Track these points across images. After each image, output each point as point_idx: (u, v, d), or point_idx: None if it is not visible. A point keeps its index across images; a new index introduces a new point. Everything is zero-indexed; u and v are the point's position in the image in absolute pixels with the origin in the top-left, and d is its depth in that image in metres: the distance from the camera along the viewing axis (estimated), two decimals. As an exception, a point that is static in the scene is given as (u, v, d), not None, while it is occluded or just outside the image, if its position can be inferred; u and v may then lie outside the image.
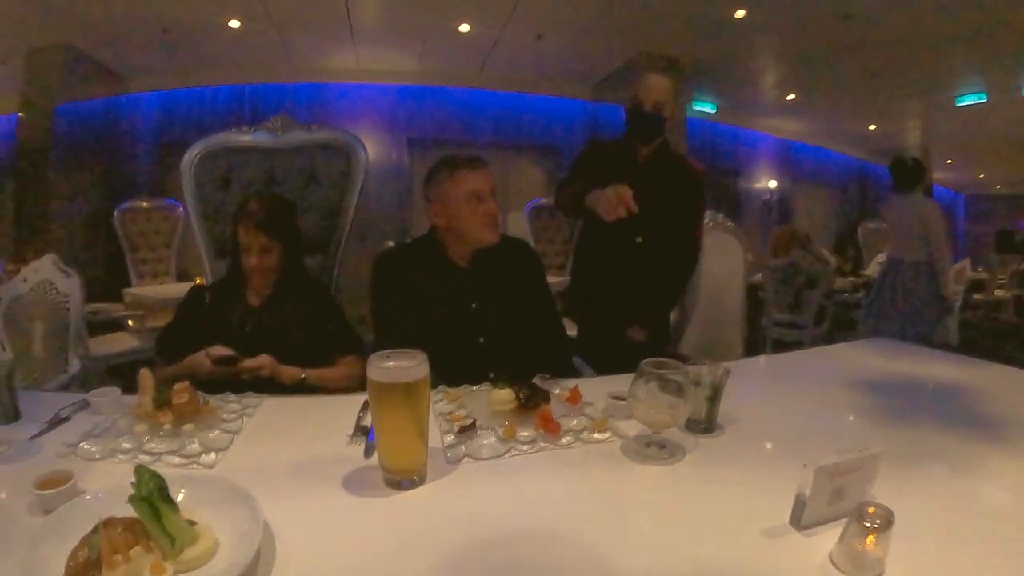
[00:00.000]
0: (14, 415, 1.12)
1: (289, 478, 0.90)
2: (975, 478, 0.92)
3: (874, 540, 0.66)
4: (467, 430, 0.98)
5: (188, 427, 1.05)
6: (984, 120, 7.39)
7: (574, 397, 1.12)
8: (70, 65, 5.21)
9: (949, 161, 10.24)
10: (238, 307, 1.63)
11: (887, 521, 0.67)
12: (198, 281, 4.37)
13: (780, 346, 4.71)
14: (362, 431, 1.01)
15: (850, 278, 6.26)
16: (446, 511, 0.82)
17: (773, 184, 9.23)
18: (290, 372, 1.49)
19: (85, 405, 1.17)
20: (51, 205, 5.17)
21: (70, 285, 2.08)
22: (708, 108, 7.83)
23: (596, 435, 1.01)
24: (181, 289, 4.32)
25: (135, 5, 4.44)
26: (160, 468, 0.85)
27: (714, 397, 1.05)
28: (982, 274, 5.97)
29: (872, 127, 8.75)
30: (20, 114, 5.21)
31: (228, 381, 1.38)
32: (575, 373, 1.63)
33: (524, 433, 0.98)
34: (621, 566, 0.70)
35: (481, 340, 1.56)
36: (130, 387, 1.18)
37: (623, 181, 1.91)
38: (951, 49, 5.34)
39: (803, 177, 9.71)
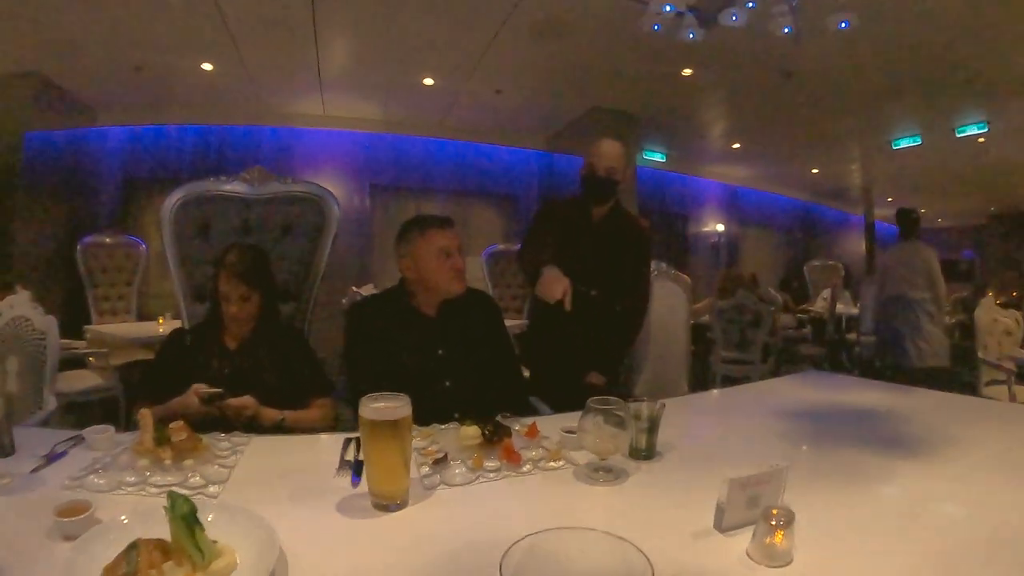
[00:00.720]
0: (10, 449, 1.17)
1: (289, 505, 1.01)
2: (869, 483, 1.11)
3: (781, 535, 0.83)
4: (440, 462, 1.12)
5: (188, 462, 1.13)
6: (921, 160, 7.95)
7: (532, 432, 1.28)
8: (41, 93, 5.18)
9: (890, 199, 10.88)
10: (217, 350, 1.71)
11: (789, 519, 0.83)
12: (160, 321, 4.36)
13: (729, 381, 4.93)
14: (347, 465, 1.12)
15: (797, 315, 6.63)
16: (428, 529, 0.94)
17: (721, 227, 9.71)
18: (270, 413, 1.57)
19: (80, 440, 1.24)
20: (16, 235, 5.07)
21: (47, 323, 2.07)
22: (658, 157, 8.29)
23: (552, 463, 1.17)
24: (143, 328, 4.34)
25: (110, 43, 4.50)
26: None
27: (652, 428, 1.22)
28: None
29: (815, 171, 9.35)
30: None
31: (211, 422, 1.45)
32: (532, 411, 1.78)
33: (490, 463, 1.13)
34: (574, 569, 0.82)
35: (447, 383, 1.68)
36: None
37: (578, 239, 2.09)
38: (887, 98, 5.82)
39: (749, 220, 10.25)
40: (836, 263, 8.05)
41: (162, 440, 1.14)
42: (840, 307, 6.47)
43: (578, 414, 1.34)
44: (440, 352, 1.70)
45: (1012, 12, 3.93)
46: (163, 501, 0.93)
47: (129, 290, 4.91)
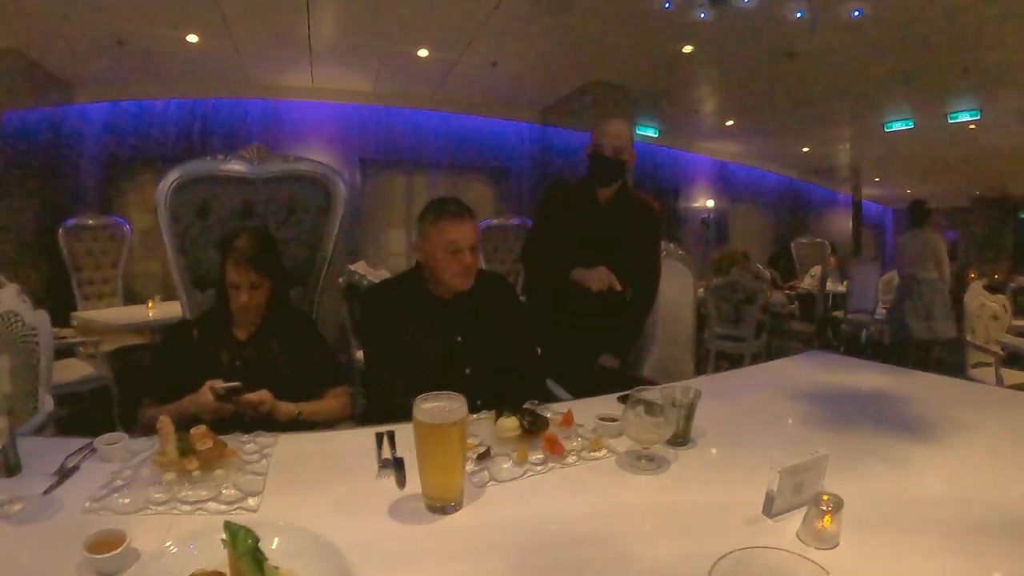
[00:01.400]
0: (16, 467, 1.04)
1: (338, 515, 0.96)
2: (904, 471, 1.13)
3: (830, 520, 0.86)
4: (484, 457, 1.11)
5: (218, 472, 1.04)
6: (911, 143, 8.09)
7: (568, 421, 1.27)
8: (15, 70, 4.91)
9: (877, 179, 11.09)
10: (226, 342, 1.63)
11: (838, 505, 0.87)
12: (150, 305, 4.27)
13: (722, 357, 5.02)
14: (388, 464, 1.10)
15: (785, 292, 6.72)
16: (491, 530, 0.92)
17: (711, 203, 9.74)
18: (286, 407, 1.50)
19: (91, 451, 1.12)
20: None
21: (37, 318, 1.90)
22: (650, 132, 8.25)
23: (594, 453, 1.17)
24: (133, 313, 4.25)
25: (91, 16, 4.30)
26: (203, 516, 0.92)
27: (689, 415, 1.23)
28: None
29: (805, 149, 9.42)
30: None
31: (225, 420, 1.38)
32: (550, 396, 1.76)
33: (535, 456, 1.13)
34: (639, 557, 0.86)
35: (467, 371, 1.65)
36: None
37: (587, 223, 2.06)
38: (883, 83, 5.89)
39: (739, 196, 10.28)
40: (823, 240, 8.14)
41: (186, 450, 1.04)
42: (827, 285, 6.57)
43: (599, 399, 1.43)
44: (458, 339, 1.67)
45: (1010, 5, 4.03)
46: (198, 520, 0.91)
47: (114, 272, 4.82)
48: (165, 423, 1.08)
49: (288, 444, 1.24)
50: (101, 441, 1.12)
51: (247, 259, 1.57)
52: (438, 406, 0.95)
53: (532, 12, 4.42)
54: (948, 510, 0.98)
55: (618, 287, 1.72)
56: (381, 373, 1.63)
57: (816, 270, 7.05)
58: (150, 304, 4.34)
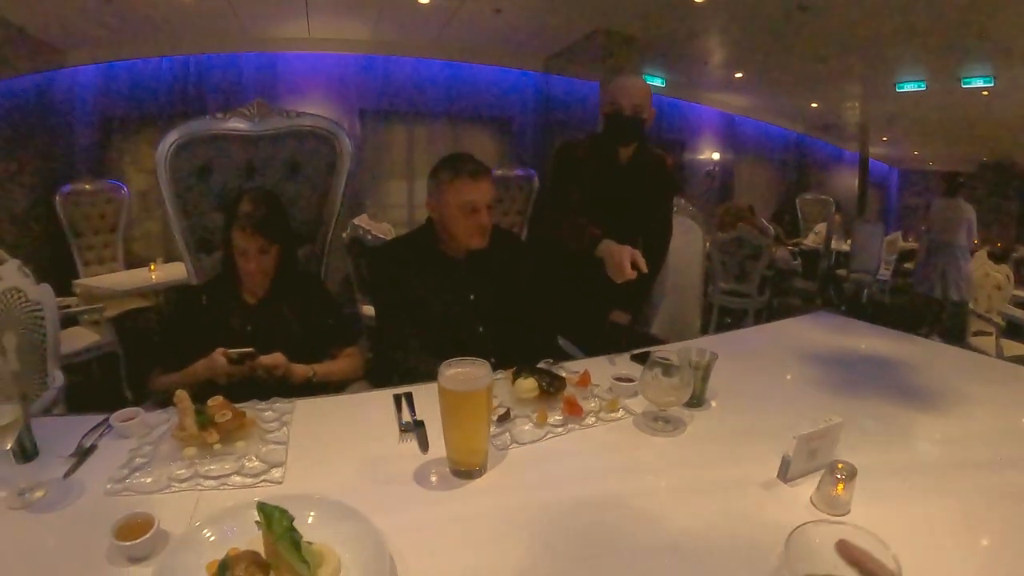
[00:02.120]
0: (33, 451, 1.00)
1: (363, 482, 0.96)
2: (912, 439, 1.15)
3: (843, 487, 0.88)
4: (504, 419, 1.12)
5: (240, 444, 1.03)
6: (922, 105, 7.92)
7: (584, 380, 1.27)
8: (1, 38, 4.68)
9: (885, 138, 10.90)
10: (236, 307, 1.61)
11: (852, 473, 0.88)
12: (152, 268, 4.25)
13: (726, 313, 5.05)
14: (409, 428, 1.10)
15: (788, 248, 6.69)
16: (521, 493, 0.94)
17: (716, 156, 9.59)
18: (300, 370, 1.50)
19: (107, 428, 1.10)
20: None
21: (41, 292, 1.87)
22: (657, 82, 8.02)
23: (612, 414, 1.18)
24: (135, 277, 4.25)
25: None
26: (228, 491, 0.92)
27: (705, 377, 1.24)
28: (912, 244, 6.58)
29: (814, 105, 9.19)
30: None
31: (237, 386, 1.37)
32: (563, 353, 1.77)
33: (554, 417, 1.14)
34: (663, 516, 0.88)
35: (480, 329, 1.65)
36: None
37: (606, 183, 2.01)
38: (897, 42, 5.72)
39: (745, 149, 10.10)
40: (828, 198, 8.06)
41: (205, 422, 1.02)
42: (832, 243, 6.54)
43: (613, 357, 1.47)
44: (471, 297, 1.66)
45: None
46: (224, 495, 0.91)
47: (114, 237, 4.76)
48: (182, 398, 1.06)
49: (306, 409, 1.23)
50: (116, 418, 1.10)
51: (253, 224, 1.53)
52: (463, 372, 0.95)
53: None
54: (956, 479, 0.99)
55: (644, 269, 1.65)
56: (393, 333, 1.63)
57: (820, 227, 7.02)
58: (152, 267, 4.33)
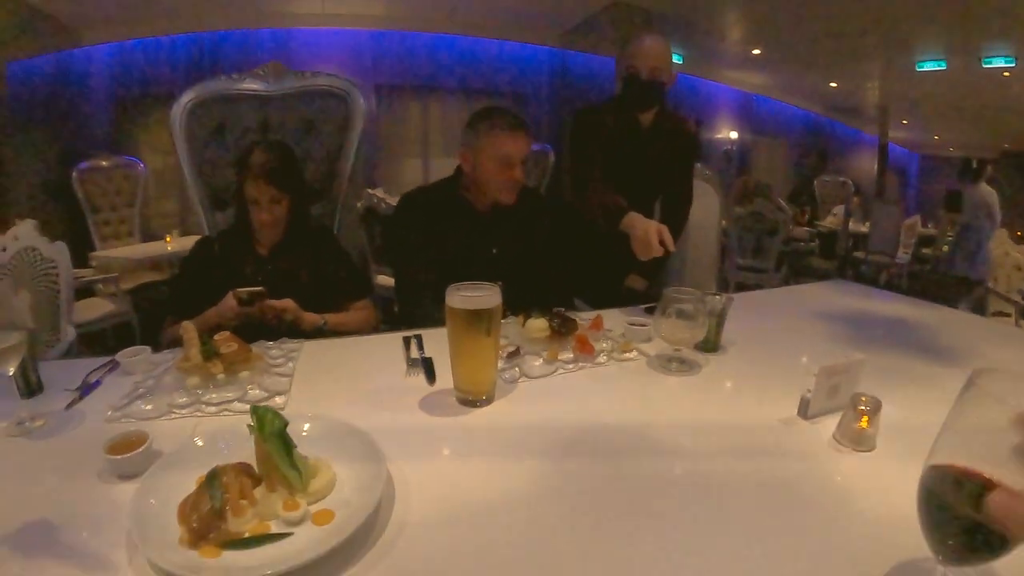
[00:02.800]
0: (38, 387, 1.02)
1: (367, 407, 0.95)
2: (935, 388, 1.07)
3: (867, 421, 0.84)
4: (514, 355, 1.10)
5: (243, 374, 1.02)
6: (942, 86, 7.71)
7: (597, 324, 1.25)
8: (18, 19, 4.74)
9: (905, 121, 10.60)
10: (248, 258, 1.62)
11: (876, 407, 0.84)
12: (168, 240, 4.28)
13: (742, 289, 4.99)
14: (417, 363, 1.09)
15: (806, 228, 6.58)
16: (518, 421, 0.92)
17: (734, 135, 9.43)
18: (311, 318, 1.50)
19: (114, 366, 1.10)
20: (8, 168, 4.80)
21: (56, 250, 1.92)
22: (675, 59, 7.88)
23: (625, 355, 1.16)
24: (150, 249, 4.28)
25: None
26: (228, 417, 0.91)
27: (720, 322, 1.21)
28: (931, 230, 6.42)
29: (833, 84, 9.00)
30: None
31: (251, 330, 1.34)
32: (576, 310, 1.75)
33: (565, 355, 1.11)
34: (679, 449, 0.85)
35: (500, 284, 1.64)
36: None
37: (627, 150, 1.95)
38: (918, 19, 5.57)
39: (763, 129, 9.95)
40: (846, 180, 7.91)
41: (209, 353, 1.02)
42: (850, 224, 6.41)
43: (627, 310, 1.43)
44: (493, 251, 1.65)
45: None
46: (225, 420, 0.89)
47: (131, 212, 4.81)
48: (188, 328, 1.05)
49: (314, 348, 1.24)
50: (123, 355, 1.10)
51: (265, 174, 1.53)
52: (472, 295, 0.92)
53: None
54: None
55: (672, 248, 1.58)
56: (413, 280, 1.61)
57: (838, 209, 6.89)
58: (168, 239, 4.36)
